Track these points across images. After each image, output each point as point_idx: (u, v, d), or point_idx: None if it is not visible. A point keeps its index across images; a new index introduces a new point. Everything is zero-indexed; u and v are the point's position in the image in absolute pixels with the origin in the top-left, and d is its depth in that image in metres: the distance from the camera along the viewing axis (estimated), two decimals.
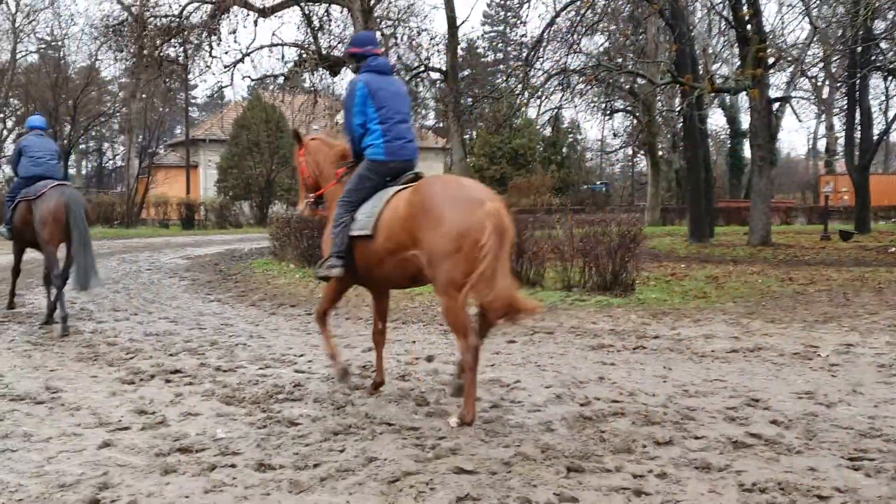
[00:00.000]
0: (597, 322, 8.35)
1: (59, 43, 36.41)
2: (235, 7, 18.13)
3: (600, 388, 5.47)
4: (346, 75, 21.43)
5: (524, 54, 21.99)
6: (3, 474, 3.75)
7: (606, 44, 21.83)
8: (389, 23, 21.78)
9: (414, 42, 21.20)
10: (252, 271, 14.41)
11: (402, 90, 5.48)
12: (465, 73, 47.84)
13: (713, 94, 19.74)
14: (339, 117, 33.53)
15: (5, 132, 39.31)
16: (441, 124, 42.24)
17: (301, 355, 6.71)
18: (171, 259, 17.37)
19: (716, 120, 42.49)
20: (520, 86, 19.64)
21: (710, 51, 30.78)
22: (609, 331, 7.84)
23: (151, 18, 18.86)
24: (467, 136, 40.66)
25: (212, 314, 9.31)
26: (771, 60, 16.76)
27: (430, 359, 6.47)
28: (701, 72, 18.59)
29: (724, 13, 18.46)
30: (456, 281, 4.50)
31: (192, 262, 16.82)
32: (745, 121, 34.04)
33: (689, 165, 20.78)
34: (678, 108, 20.42)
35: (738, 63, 18.70)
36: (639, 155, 49.85)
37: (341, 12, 19.92)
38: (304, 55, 19.43)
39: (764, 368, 6.08)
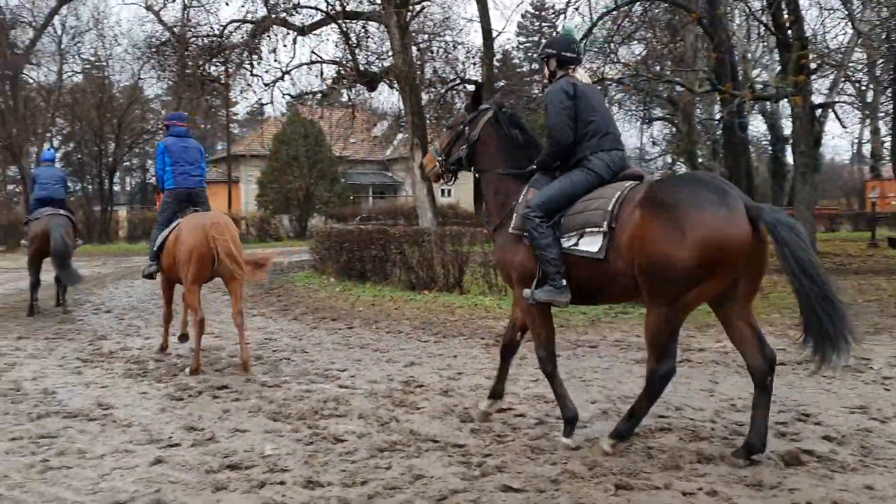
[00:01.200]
0: (641, 335, 8.25)
1: (104, 63, 37.24)
2: (275, 26, 18.40)
3: None
4: (384, 90, 21.63)
5: None
6: (60, 491, 3.84)
7: (644, 52, 21.73)
8: (425, 37, 21.91)
9: (450, 55, 21.27)
10: (293, 285, 14.55)
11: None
12: (501, 83, 47.91)
13: (754, 102, 19.49)
14: (376, 130, 33.84)
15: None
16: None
17: (344, 370, 6.76)
18: None
19: (756, 126, 41.84)
20: None
21: (750, 57, 30.42)
22: None
23: (193, 38, 19.25)
24: None
25: (255, 328, 9.42)
26: (813, 66, 16.49)
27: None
28: (741, 79, 18.37)
29: (764, 19, 18.22)
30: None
31: None
32: (786, 127, 33.52)
33: (730, 174, 20.49)
34: (718, 117, 20.18)
35: (779, 69, 18.45)
36: (678, 163, 49.33)
37: (378, 28, 20.09)
38: (342, 71, 19.63)
39: (814, 382, 5.97)
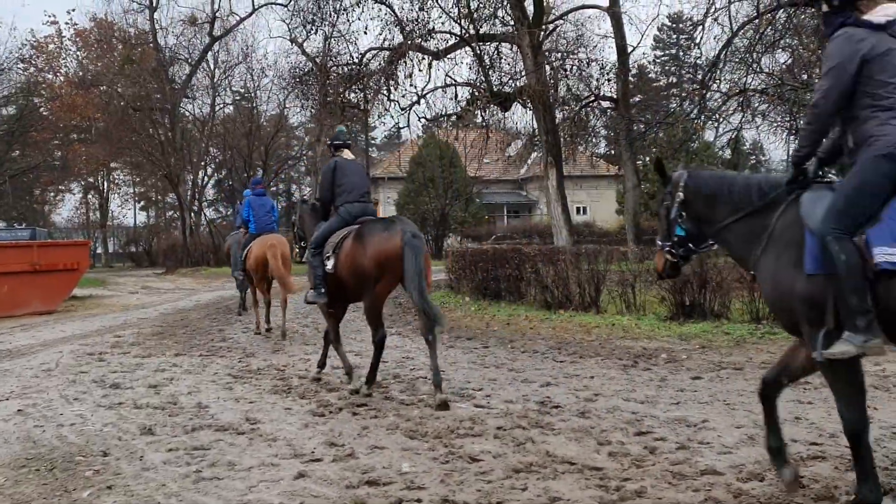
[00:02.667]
0: None
1: (252, 94, 39.46)
2: (411, 52, 18.89)
3: (797, 429, 5.10)
4: (517, 110, 21.70)
5: (699, 77, 21.30)
6: (211, 501, 4.05)
7: (789, 60, 20.70)
8: (559, 55, 21.84)
9: (584, 73, 21.08)
10: None
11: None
12: (637, 98, 46.99)
13: None
14: (510, 150, 34.02)
15: (206, 178, 42.99)
16: (612, 152, 41.62)
17: (479, 389, 6.77)
18: None
19: None
20: (696, 109, 19.01)
21: None
22: None
23: (334, 67, 20.05)
24: (640, 163, 39.76)
25: (393, 347, 9.61)
26: None
27: None
28: None
29: None
30: None
31: None
32: None
33: None
34: None
35: None
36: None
37: (511, 49, 20.22)
38: (476, 93, 19.86)
39: None
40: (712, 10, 17.22)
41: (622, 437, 5.04)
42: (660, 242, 4.47)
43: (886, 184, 3.48)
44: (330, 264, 6.84)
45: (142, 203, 57.62)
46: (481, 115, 21.33)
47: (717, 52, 17.52)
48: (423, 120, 21.11)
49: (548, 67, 20.34)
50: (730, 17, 16.87)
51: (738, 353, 8.19)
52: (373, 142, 57.26)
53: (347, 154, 7.40)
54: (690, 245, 4.33)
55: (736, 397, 6.15)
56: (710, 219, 4.16)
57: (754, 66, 17.01)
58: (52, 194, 49.66)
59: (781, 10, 16.17)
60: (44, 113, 37.48)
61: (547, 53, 20.82)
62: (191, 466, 4.62)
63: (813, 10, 15.96)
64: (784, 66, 19.38)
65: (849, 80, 3.53)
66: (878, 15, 3.59)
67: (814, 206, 3.64)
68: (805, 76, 19.11)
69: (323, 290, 6.98)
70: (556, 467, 4.43)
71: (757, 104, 19.28)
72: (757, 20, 16.57)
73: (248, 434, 5.36)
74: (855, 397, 3.70)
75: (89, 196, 52.84)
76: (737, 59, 17.67)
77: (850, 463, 4.29)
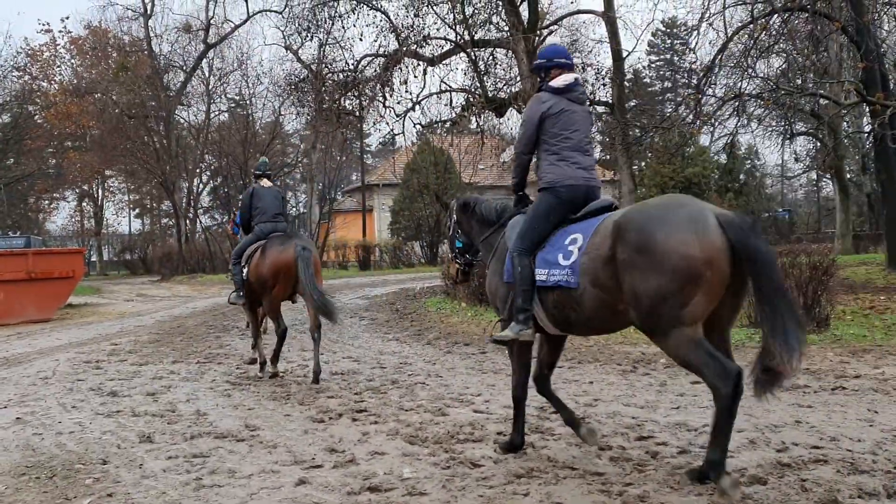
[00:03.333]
0: None
1: (248, 101, 39.44)
2: (406, 58, 18.90)
3: (798, 433, 5.11)
4: (512, 115, 21.72)
5: (694, 81, 21.35)
6: None
7: (784, 65, 20.77)
8: None
9: (579, 78, 21.13)
10: (426, 310, 14.76)
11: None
12: (632, 103, 47.08)
13: None
14: (505, 156, 34.03)
15: (201, 186, 42.93)
16: (608, 157, 41.70)
17: (478, 395, 6.77)
18: (352, 300, 18.14)
19: None
20: (691, 114, 19.04)
21: None
22: (803, 370, 7.31)
23: (329, 74, 20.05)
24: (636, 168, 39.82)
25: (391, 353, 9.61)
26: None
27: None
28: (893, 88, 17.21)
29: None
30: None
31: (370, 301, 17.48)
32: None
33: (883, 188, 19.20)
34: (868, 129, 18.98)
35: None
36: (824, 179, 46.73)
37: (506, 55, 20.25)
38: (471, 99, 19.88)
39: None
40: (707, 15, 17.26)
41: (623, 442, 5.03)
42: (450, 255, 5.81)
43: (549, 213, 4.63)
44: (245, 272, 8.22)
45: (137, 210, 57.53)
46: (476, 121, 21.33)
47: (712, 57, 17.56)
48: (418, 126, 21.09)
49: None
50: (724, 22, 16.90)
51: (736, 357, 8.13)
52: (367, 148, 57.25)
53: (265, 182, 8.77)
54: (467, 255, 5.66)
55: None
56: (474, 234, 5.48)
57: (749, 70, 17.04)
58: (46, 202, 49.55)
59: (776, 16, 16.23)
60: (38, 121, 37.44)
61: None
62: (191, 474, 4.60)
63: (807, 15, 16.04)
64: (779, 71, 19.46)
65: (533, 131, 4.78)
66: (559, 81, 4.82)
67: (513, 229, 4.87)
68: (800, 81, 19.20)
69: (242, 293, 8.37)
70: (557, 472, 4.42)
71: (752, 109, 19.35)
72: (751, 25, 16.61)
73: (248, 441, 5.35)
74: (522, 372, 4.95)
75: (84, 204, 52.74)
76: (732, 64, 17.70)
77: (852, 467, 4.31)
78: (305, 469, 4.64)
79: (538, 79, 4.98)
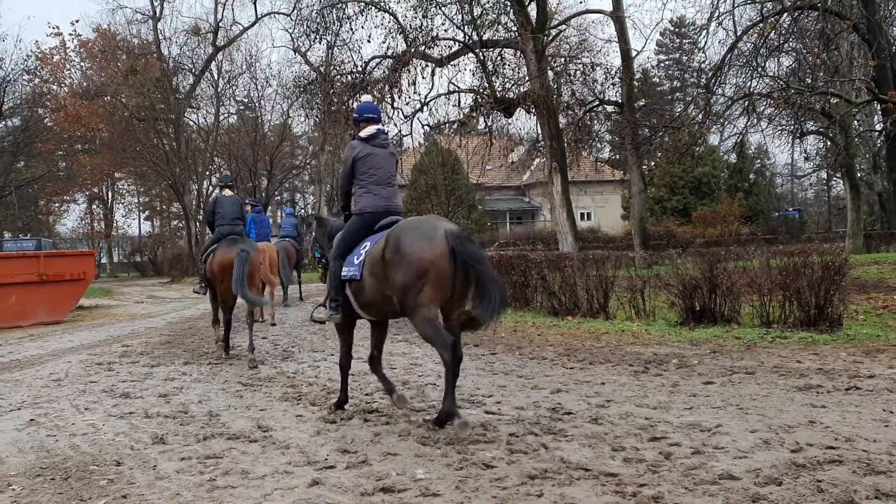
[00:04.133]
0: (802, 361, 7.79)
1: (256, 104, 39.55)
2: (415, 59, 18.92)
3: (812, 433, 5.07)
4: (520, 115, 21.72)
5: (704, 81, 21.30)
6: None
7: (794, 64, 20.69)
8: (562, 60, 21.85)
9: (588, 77, 21.09)
10: None
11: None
12: (641, 103, 46.98)
13: None
14: (513, 156, 34.06)
15: (210, 188, 43.04)
16: (617, 156, 41.67)
17: (489, 396, 6.75)
18: None
19: None
20: (701, 113, 19.00)
21: None
22: (816, 370, 7.29)
23: (338, 76, 20.09)
24: (645, 168, 39.72)
25: (401, 354, 9.60)
26: None
27: None
28: None
29: None
30: None
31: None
32: None
33: (894, 187, 19.13)
34: (879, 127, 18.90)
35: None
36: (834, 178, 46.49)
37: (514, 55, 20.24)
38: (479, 99, 19.88)
39: None
40: (716, 14, 17.25)
41: (636, 443, 5.01)
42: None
43: (357, 230, 6.15)
44: (204, 267, 9.85)
45: (146, 213, 57.79)
46: (484, 122, 21.34)
47: (721, 56, 17.53)
48: (426, 127, 21.10)
49: (551, 72, 20.36)
50: (734, 21, 16.91)
51: (749, 357, 8.16)
52: None
53: (227, 192, 10.34)
54: (325, 260, 7.26)
55: (749, 401, 6.12)
56: (325, 245, 7.08)
57: (759, 69, 17.00)
58: (56, 205, 49.85)
59: (785, 14, 16.18)
60: (48, 124, 37.63)
61: (550, 58, 20.84)
62: (204, 475, 4.60)
63: (817, 13, 15.99)
64: (789, 70, 19.39)
65: (349, 170, 6.32)
66: (365, 132, 6.42)
67: (336, 240, 6.37)
68: (809, 80, 19.13)
69: (205, 286, 10.00)
70: (570, 473, 4.40)
71: (762, 108, 19.29)
72: (761, 24, 16.58)
73: (261, 442, 5.35)
74: (344, 348, 6.50)
75: (94, 206, 52.99)
76: (741, 63, 17.67)
77: (868, 467, 4.28)
78: (318, 470, 4.64)
79: (356, 127, 6.64)
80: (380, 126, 6.57)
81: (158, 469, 4.77)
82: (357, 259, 5.92)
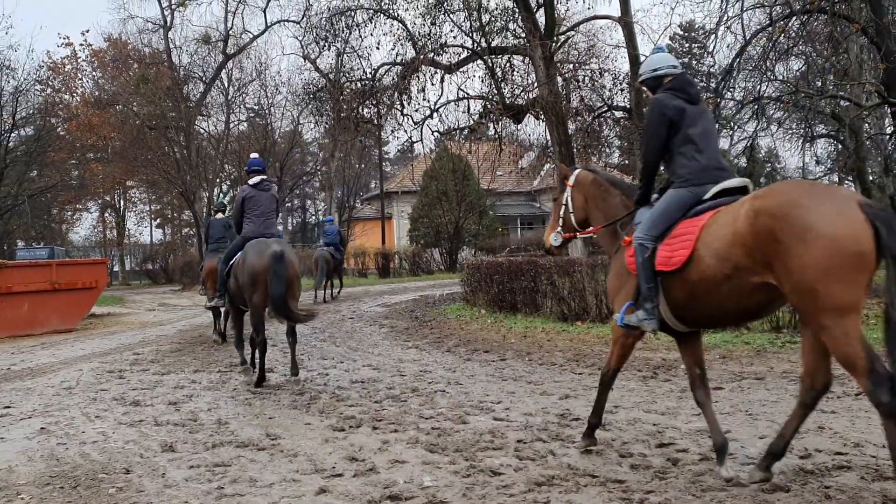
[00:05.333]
0: None
1: (266, 111, 39.67)
2: (424, 66, 18.96)
3: (821, 439, 5.06)
4: (530, 122, 21.71)
5: (713, 85, 21.25)
6: None
7: (803, 67, 20.61)
8: (571, 66, 21.84)
9: (596, 83, 21.07)
10: (446, 317, 14.76)
11: None
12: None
13: None
14: (523, 162, 34.02)
15: (221, 195, 43.21)
16: (626, 162, 41.55)
17: (498, 402, 6.76)
18: (371, 307, 18.17)
19: None
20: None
21: None
22: None
23: (347, 83, 20.15)
24: None
25: (411, 361, 9.61)
26: None
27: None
28: None
29: None
30: None
31: (389, 309, 17.51)
32: None
33: None
34: (889, 131, 18.80)
35: None
36: (846, 181, 46.24)
37: (523, 61, 20.25)
38: (489, 106, 19.90)
39: None
40: (725, 18, 17.18)
41: (644, 450, 5.01)
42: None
43: (238, 246, 8.59)
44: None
45: (158, 220, 58.05)
46: (494, 128, 21.33)
47: (730, 61, 17.46)
48: (436, 134, 21.12)
49: (560, 78, 20.35)
50: (742, 25, 16.82)
51: (758, 362, 8.13)
52: (386, 156, 57.41)
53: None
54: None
55: (758, 407, 6.10)
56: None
57: (768, 73, 16.93)
58: (69, 213, 50.10)
59: (794, 18, 16.11)
60: (61, 133, 37.86)
61: (559, 64, 20.83)
62: (213, 483, 4.63)
63: (826, 16, 15.92)
64: (798, 74, 19.31)
65: (240, 206, 8.64)
66: (253, 180, 8.53)
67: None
68: (819, 83, 19.03)
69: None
70: (578, 480, 4.41)
71: (771, 112, 19.20)
72: (770, 28, 16.51)
73: (269, 450, 5.37)
74: (235, 327, 8.95)
75: (106, 214, 53.28)
76: (750, 67, 17.60)
77: (876, 473, 4.26)
78: (326, 478, 4.65)
79: (246, 175, 8.62)
80: (263, 176, 8.73)
81: (167, 477, 4.79)
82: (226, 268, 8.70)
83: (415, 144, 22.18)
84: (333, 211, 37.38)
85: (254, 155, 9.37)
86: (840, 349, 3.70)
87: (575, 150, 21.27)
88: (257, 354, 8.20)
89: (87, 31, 62.58)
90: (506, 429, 5.73)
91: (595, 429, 5.04)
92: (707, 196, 4.48)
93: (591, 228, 5.39)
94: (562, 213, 5.52)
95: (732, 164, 43.45)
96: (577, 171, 5.53)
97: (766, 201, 3.87)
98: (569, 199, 5.46)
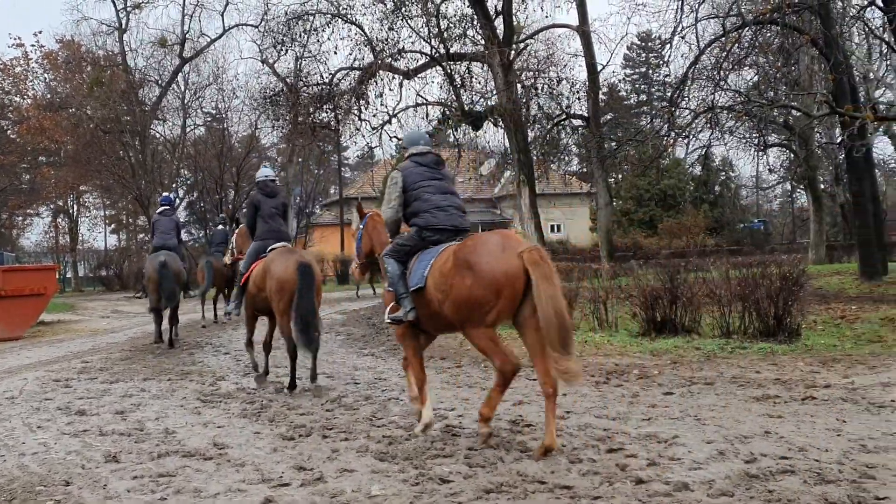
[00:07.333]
0: (760, 371, 7.87)
1: (223, 115, 39.23)
2: (381, 72, 18.92)
3: (767, 444, 5.12)
4: (489, 128, 21.80)
5: (668, 94, 21.56)
6: None
7: (756, 77, 21.03)
8: (530, 74, 21.99)
9: (554, 91, 21.25)
10: None
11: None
12: (608, 116, 47.38)
13: (876, 123, 18.46)
14: (483, 169, 34.12)
15: (177, 201, 42.59)
16: (585, 169, 41.97)
17: (452, 409, 6.73)
18: (328, 314, 18.02)
19: (882, 148, 39.61)
20: (665, 126, 19.21)
21: (873, 77, 28.94)
22: (774, 380, 7.37)
23: (304, 88, 20.03)
24: (612, 180, 40.04)
25: (366, 368, 9.55)
26: None
27: None
28: (863, 100, 17.49)
29: (885, 36, 17.35)
30: None
31: (347, 316, 17.39)
32: None
33: (855, 199, 19.47)
34: (839, 140, 19.25)
35: None
36: (798, 190, 47.27)
37: (482, 68, 20.34)
38: (447, 112, 19.93)
39: None
40: (680, 28, 17.48)
41: (593, 455, 5.02)
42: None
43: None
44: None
45: (112, 226, 57.02)
46: (453, 135, 21.38)
47: (684, 70, 17.76)
48: (394, 139, 21.08)
49: (519, 86, 20.48)
50: (696, 35, 17.14)
51: (708, 367, 8.23)
52: (346, 162, 57.17)
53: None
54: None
55: (707, 412, 6.16)
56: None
57: (722, 83, 17.24)
58: (20, 218, 48.98)
59: (747, 29, 16.44)
60: (11, 136, 37.03)
61: (518, 72, 20.95)
62: (156, 494, 4.52)
63: (778, 28, 16.28)
64: (750, 84, 19.69)
65: (153, 227, 13.35)
66: (161, 209, 13.26)
67: None
68: (772, 93, 19.43)
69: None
70: (526, 487, 4.40)
71: (725, 121, 19.55)
72: (723, 38, 16.83)
73: (216, 459, 5.27)
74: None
75: (59, 219, 52.16)
76: (705, 77, 17.90)
77: (818, 477, 4.32)
78: (273, 487, 4.58)
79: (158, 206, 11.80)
80: (166, 207, 13.07)
81: (109, 489, 4.67)
82: None
83: (374, 150, 22.14)
84: (292, 218, 37.05)
85: (166, 193, 13.24)
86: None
87: (534, 157, 21.42)
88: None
89: (40, 33, 61.08)
90: (457, 436, 5.70)
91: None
92: None
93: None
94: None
95: (688, 173, 44.23)
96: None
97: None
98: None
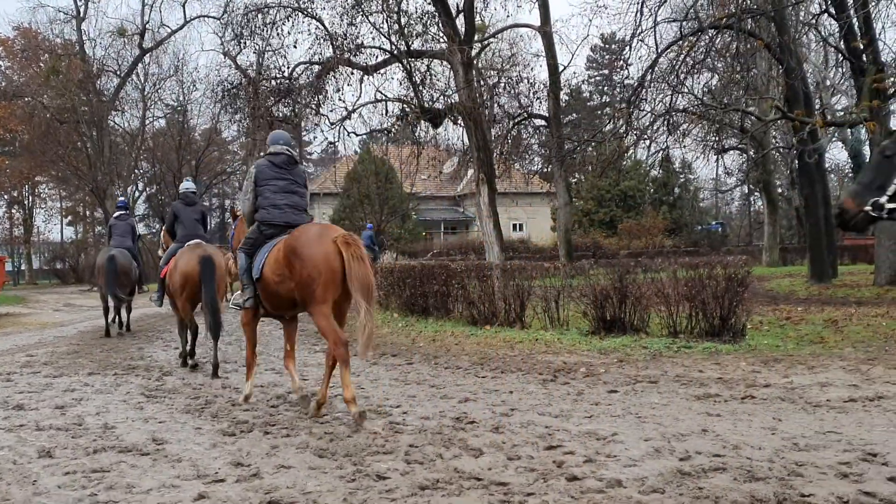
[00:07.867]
0: (703, 370, 8.00)
1: (183, 108, 38.73)
2: (341, 66, 18.80)
3: (702, 441, 5.20)
4: (450, 127, 21.80)
5: (628, 96, 21.76)
6: None
7: (714, 82, 21.33)
8: (492, 73, 22.05)
9: (515, 91, 21.34)
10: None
11: None
12: (571, 117, 47.72)
13: (827, 129, 18.86)
14: (446, 167, 34.09)
15: (136, 193, 41.97)
16: (546, 169, 42.21)
17: (397, 406, 6.73)
18: None
19: (836, 154, 40.48)
20: (624, 128, 19.39)
21: (828, 83, 29.53)
22: (716, 379, 7.49)
23: (263, 81, 19.82)
24: (573, 180, 40.33)
25: (316, 365, 9.48)
26: (891, 90, 15.89)
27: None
28: (818, 106, 17.86)
29: (839, 44, 17.71)
30: None
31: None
32: (868, 154, 32.19)
33: (806, 203, 19.89)
34: (791, 145, 19.62)
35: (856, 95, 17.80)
36: (755, 193, 48.09)
37: (443, 65, 20.31)
38: (407, 109, 19.88)
39: (885, 419, 5.64)
40: (639, 31, 17.65)
41: (532, 452, 5.05)
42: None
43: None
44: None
45: (69, 218, 55.98)
46: (413, 131, 21.34)
47: (642, 73, 17.94)
48: (352, 135, 20.98)
49: (479, 84, 20.49)
50: (655, 38, 17.31)
51: (653, 366, 8.33)
52: (309, 157, 56.81)
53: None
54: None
55: (648, 410, 6.24)
56: None
57: (679, 86, 17.45)
58: None
59: (703, 33, 16.66)
60: None
61: (480, 71, 20.98)
62: (86, 490, 4.45)
63: (734, 32, 16.52)
64: (706, 88, 19.96)
65: (108, 231, 14.49)
66: (116, 214, 14.36)
67: None
68: (729, 96, 19.74)
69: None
70: (462, 483, 4.41)
71: (683, 124, 19.80)
72: (680, 42, 17.03)
73: (153, 455, 5.20)
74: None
75: (13, 210, 51.04)
76: (662, 80, 18.10)
77: (748, 474, 4.40)
78: (207, 483, 4.53)
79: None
80: (123, 211, 13.93)
81: (38, 484, 4.58)
82: None
83: (336, 145, 22.02)
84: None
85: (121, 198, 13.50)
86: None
87: (496, 156, 21.45)
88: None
89: None
90: (400, 433, 5.70)
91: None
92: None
93: None
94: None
95: (648, 174, 44.67)
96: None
97: None
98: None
